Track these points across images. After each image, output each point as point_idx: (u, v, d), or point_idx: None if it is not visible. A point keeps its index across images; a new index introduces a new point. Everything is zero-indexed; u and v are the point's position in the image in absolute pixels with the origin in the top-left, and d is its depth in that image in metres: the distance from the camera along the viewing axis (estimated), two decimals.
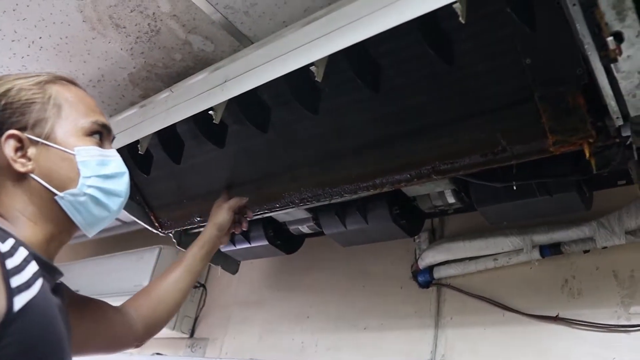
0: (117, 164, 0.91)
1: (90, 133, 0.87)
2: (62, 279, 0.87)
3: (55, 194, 0.82)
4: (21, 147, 0.81)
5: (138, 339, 1.12)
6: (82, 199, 0.83)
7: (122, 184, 0.90)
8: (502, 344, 1.44)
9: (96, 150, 0.87)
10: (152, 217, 1.77)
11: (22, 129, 0.82)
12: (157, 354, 2.43)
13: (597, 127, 0.97)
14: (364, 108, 1.18)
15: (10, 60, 1.46)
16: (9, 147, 0.80)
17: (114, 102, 1.63)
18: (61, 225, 0.84)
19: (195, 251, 1.28)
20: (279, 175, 1.39)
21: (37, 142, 0.82)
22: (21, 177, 0.81)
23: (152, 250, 2.38)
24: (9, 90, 0.83)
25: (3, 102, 0.82)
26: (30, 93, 0.84)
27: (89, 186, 0.84)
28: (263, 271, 2.25)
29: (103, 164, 0.87)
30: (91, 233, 0.89)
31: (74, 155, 0.83)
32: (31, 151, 0.82)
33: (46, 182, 0.81)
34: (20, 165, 0.80)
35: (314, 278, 2.02)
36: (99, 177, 0.85)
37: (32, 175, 0.81)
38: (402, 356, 1.60)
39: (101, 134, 0.90)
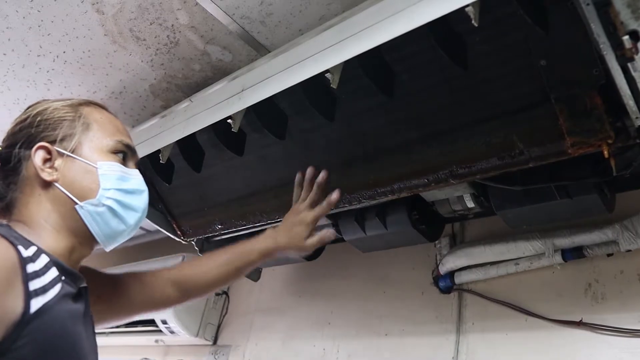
0: (137, 181, 0.95)
1: (115, 151, 0.92)
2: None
3: (76, 203, 0.86)
4: (49, 159, 0.87)
5: (177, 301, 1.19)
6: (101, 209, 0.88)
7: (141, 201, 0.94)
8: (524, 350, 1.42)
9: (118, 166, 0.91)
10: (174, 226, 1.80)
11: (52, 142, 0.88)
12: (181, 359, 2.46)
13: (616, 128, 0.95)
14: (379, 114, 1.19)
15: (37, 75, 1.51)
16: (38, 157, 0.86)
17: (136, 113, 1.67)
18: (81, 236, 0.88)
19: (254, 247, 1.20)
20: None
21: (64, 154, 0.88)
22: (48, 186, 0.87)
23: (175, 259, 2.41)
24: (45, 109, 0.91)
25: (38, 118, 0.90)
26: (62, 112, 0.92)
27: (108, 197, 0.88)
28: (284, 278, 2.26)
29: (123, 180, 0.91)
30: (108, 246, 0.93)
31: (96, 168, 0.88)
32: (58, 163, 0.87)
33: (69, 191, 0.86)
34: (46, 174, 0.86)
35: (335, 284, 2.02)
36: (118, 191, 0.90)
37: (57, 184, 0.86)
38: None
39: (125, 154, 0.95)
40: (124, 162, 0.94)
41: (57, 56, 1.44)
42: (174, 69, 1.46)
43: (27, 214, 0.86)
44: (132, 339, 2.65)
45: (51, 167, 0.87)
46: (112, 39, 1.36)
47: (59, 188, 0.86)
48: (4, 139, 0.92)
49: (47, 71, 1.50)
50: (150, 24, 1.30)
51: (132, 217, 0.92)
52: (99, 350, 0.90)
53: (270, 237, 1.21)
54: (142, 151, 1.47)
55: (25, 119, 0.91)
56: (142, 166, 1.64)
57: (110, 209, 0.88)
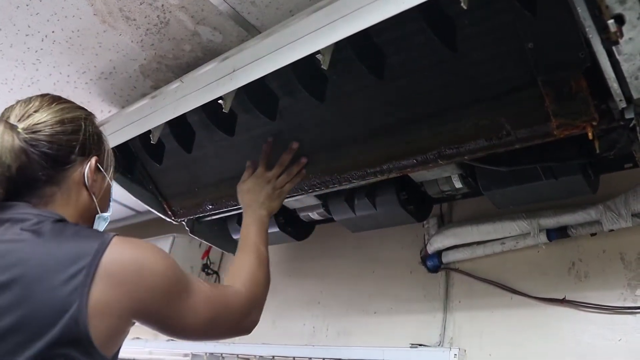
0: None
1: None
2: None
3: (98, 213, 1.01)
4: (97, 171, 1.00)
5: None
6: (106, 219, 1.05)
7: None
8: (509, 327, 1.46)
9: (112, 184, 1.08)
10: (165, 206, 1.81)
11: (98, 156, 1.01)
12: (172, 339, 2.48)
13: (600, 110, 0.97)
14: (369, 95, 1.20)
15: (25, 55, 1.50)
16: (90, 168, 0.98)
17: (126, 93, 1.66)
18: None
19: (250, 233, 1.30)
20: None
21: (101, 172, 1.02)
22: (84, 193, 0.98)
23: (166, 239, 2.43)
24: (90, 120, 1.01)
25: (90, 129, 0.99)
26: (99, 129, 1.04)
27: (110, 209, 1.07)
28: (275, 258, 2.27)
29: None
30: None
31: (112, 187, 1.06)
32: (99, 176, 1.01)
33: (98, 203, 1.00)
34: (92, 185, 0.98)
35: (324, 264, 2.05)
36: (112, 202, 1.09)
37: (93, 195, 0.99)
38: (412, 340, 1.62)
39: None
40: None
41: (46, 35, 1.42)
42: (164, 49, 1.45)
43: (56, 206, 0.93)
44: None
45: (94, 179, 0.99)
46: (101, 19, 1.35)
47: (93, 198, 0.98)
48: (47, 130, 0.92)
49: (36, 51, 1.48)
50: (140, 4, 1.29)
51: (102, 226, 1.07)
52: None
53: (255, 216, 1.33)
54: (133, 132, 1.47)
55: (78, 124, 0.97)
56: (133, 147, 1.66)
57: (107, 220, 1.06)
